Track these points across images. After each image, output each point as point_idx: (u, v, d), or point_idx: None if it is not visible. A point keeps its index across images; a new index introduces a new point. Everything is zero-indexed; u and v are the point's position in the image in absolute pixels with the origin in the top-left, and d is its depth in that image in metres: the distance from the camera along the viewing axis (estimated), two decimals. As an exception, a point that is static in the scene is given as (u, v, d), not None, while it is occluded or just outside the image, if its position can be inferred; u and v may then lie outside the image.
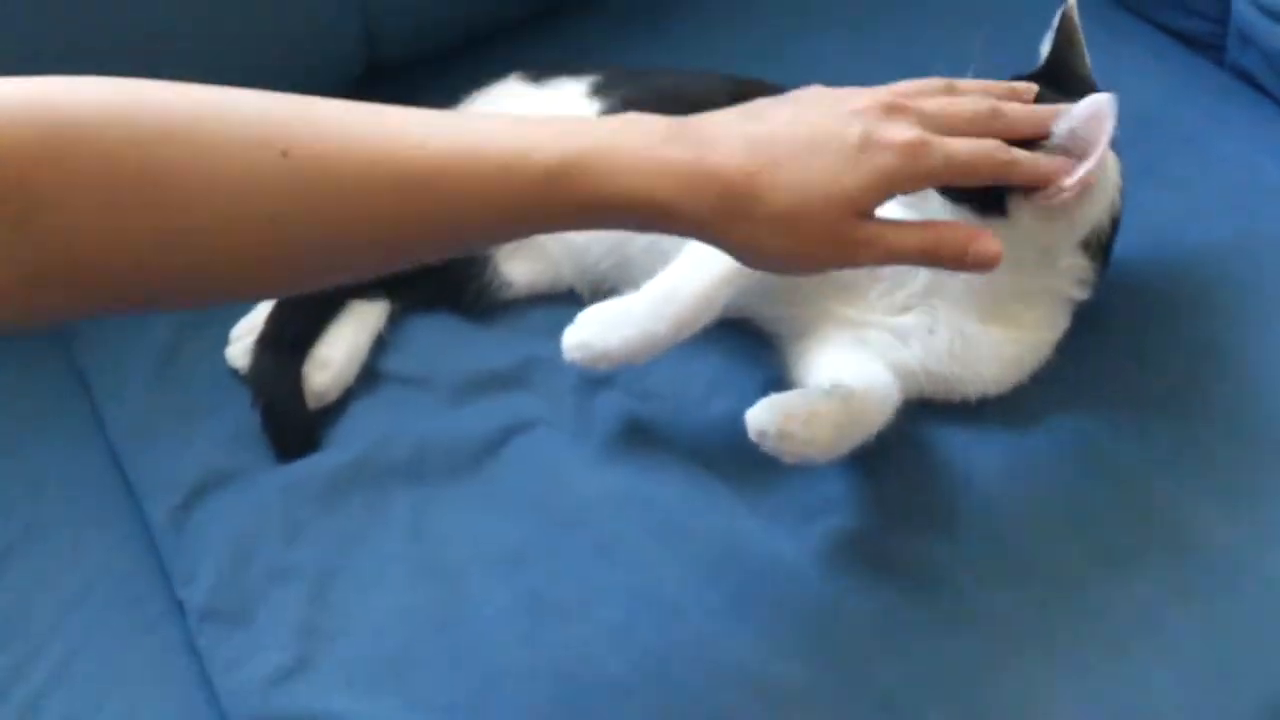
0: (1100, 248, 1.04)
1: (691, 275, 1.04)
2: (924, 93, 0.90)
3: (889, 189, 0.84)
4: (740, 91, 1.13)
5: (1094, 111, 0.93)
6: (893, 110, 0.85)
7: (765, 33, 1.41)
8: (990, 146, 0.88)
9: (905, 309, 1.06)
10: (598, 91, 1.20)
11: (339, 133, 0.77)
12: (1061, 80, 1.04)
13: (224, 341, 1.17)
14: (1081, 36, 1.08)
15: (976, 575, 0.99)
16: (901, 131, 0.84)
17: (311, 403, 1.13)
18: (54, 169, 0.69)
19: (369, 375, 1.16)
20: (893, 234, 0.85)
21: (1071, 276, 1.05)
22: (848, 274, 1.05)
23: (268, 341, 1.14)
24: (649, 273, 1.13)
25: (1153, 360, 1.10)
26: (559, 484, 1.07)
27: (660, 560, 1.02)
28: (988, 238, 0.86)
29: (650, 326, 1.03)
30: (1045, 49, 1.08)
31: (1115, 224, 1.05)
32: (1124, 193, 1.05)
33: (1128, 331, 1.12)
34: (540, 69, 1.25)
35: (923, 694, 0.95)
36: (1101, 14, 1.42)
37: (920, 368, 1.05)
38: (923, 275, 1.05)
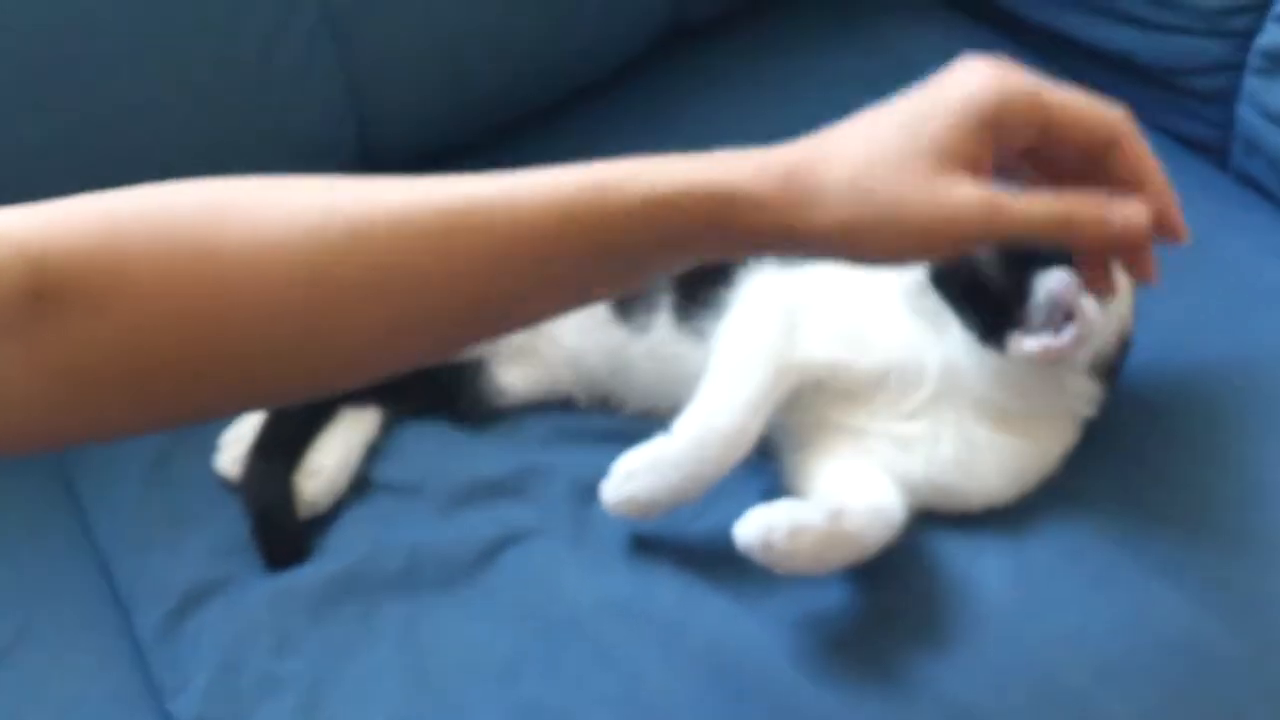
0: (1107, 371, 1.05)
1: (724, 407, 1.03)
2: None
3: (980, 121, 0.74)
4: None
5: (1062, 293, 0.95)
6: None
7: (760, 133, 1.40)
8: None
9: (911, 417, 1.06)
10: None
11: (391, 189, 0.74)
12: None
13: (213, 449, 1.17)
14: None
15: (976, 687, 0.98)
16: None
17: (303, 511, 1.12)
18: (116, 257, 0.69)
19: (361, 484, 1.15)
20: (1012, 199, 0.73)
21: (1078, 399, 1.05)
22: (855, 380, 1.06)
23: (260, 449, 1.14)
24: (649, 381, 1.14)
25: (1154, 468, 1.09)
26: (554, 593, 1.06)
27: (656, 668, 1.01)
28: (1130, 205, 0.76)
29: (695, 470, 1.02)
30: None
31: (1125, 345, 1.05)
32: (1134, 310, 1.06)
33: (1129, 439, 1.11)
34: (536, 167, 1.25)
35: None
36: (1103, 117, 1.43)
37: (924, 478, 1.04)
38: (930, 385, 1.05)
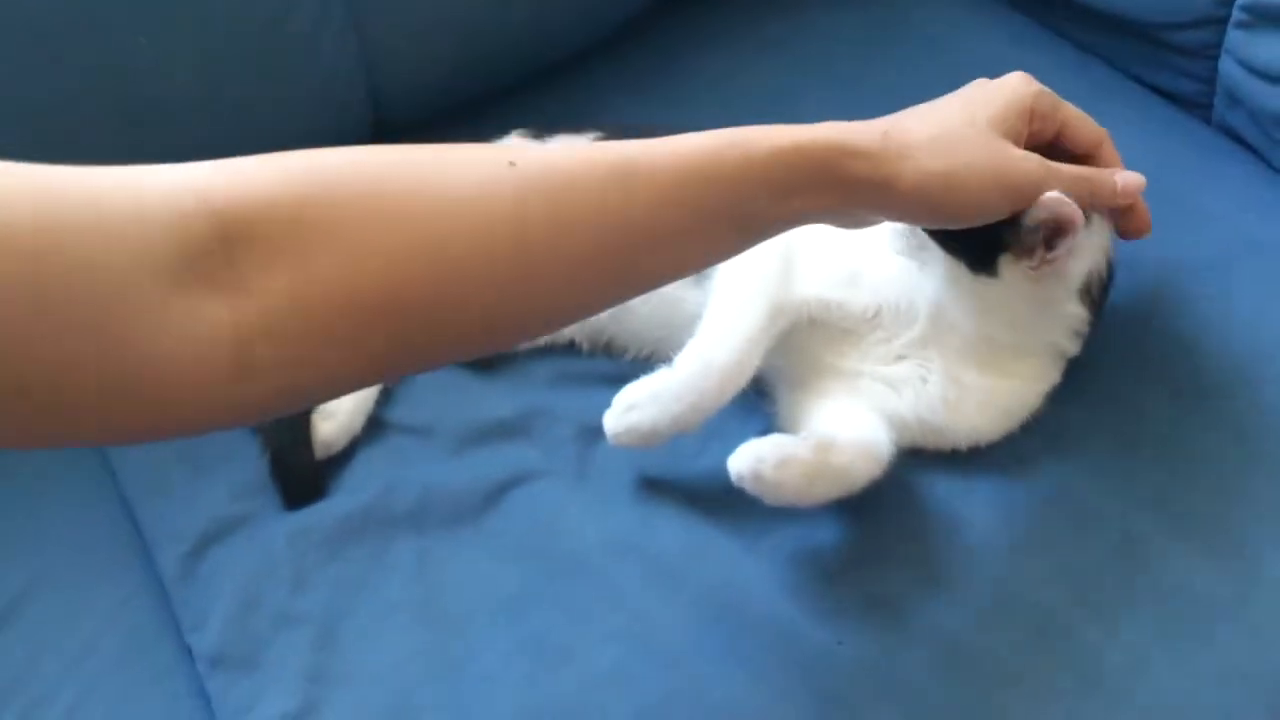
0: (1096, 297, 1.06)
1: (723, 342, 1.06)
2: None
3: (1022, 106, 0.96)
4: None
5: (1053, 206, 0.96)
6: None
7: (766, 89, 1.44)
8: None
9: (899, 358, 1.09)
10: (601, 146, 1.22)
11: (558, 148, 0.88)
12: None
13: (235, 393, 1.19)
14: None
15: (967, 620, 1.01)
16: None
17: (318, 451, 1.15)
18: (322, 200, 0.73)
19: (374, 425, 1.18)
20: (1051, 165, 0.95)
21: (1067, 327, 1.07)
22: (848, 319, 1.09)
23: None
24: (649, 326, 1.16)
25: (1138, 409, 1.12)
26: (559, 532, 1.09)
27: (658, 606, 1.04)
28: (1130, 174, 1.02)
29: (695, 401, 1.05)
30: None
31: (1111, 271, 1.07)
32: (1113, 241, 1.08)
33: (1114, 383, 1.13)
34: (541, 126, 1.28)
35: (916, 735, 0.96)
36: (1090, 73, 1.45)
37: (913, 417, 1.07)
38: (919, 325, 1.08)
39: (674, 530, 1.08)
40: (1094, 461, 1.09)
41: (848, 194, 0.89)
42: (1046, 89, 0.99)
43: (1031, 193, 0.94)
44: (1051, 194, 0.95)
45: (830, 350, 1.10)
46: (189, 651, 1.09)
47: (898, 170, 0.88)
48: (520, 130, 1.28)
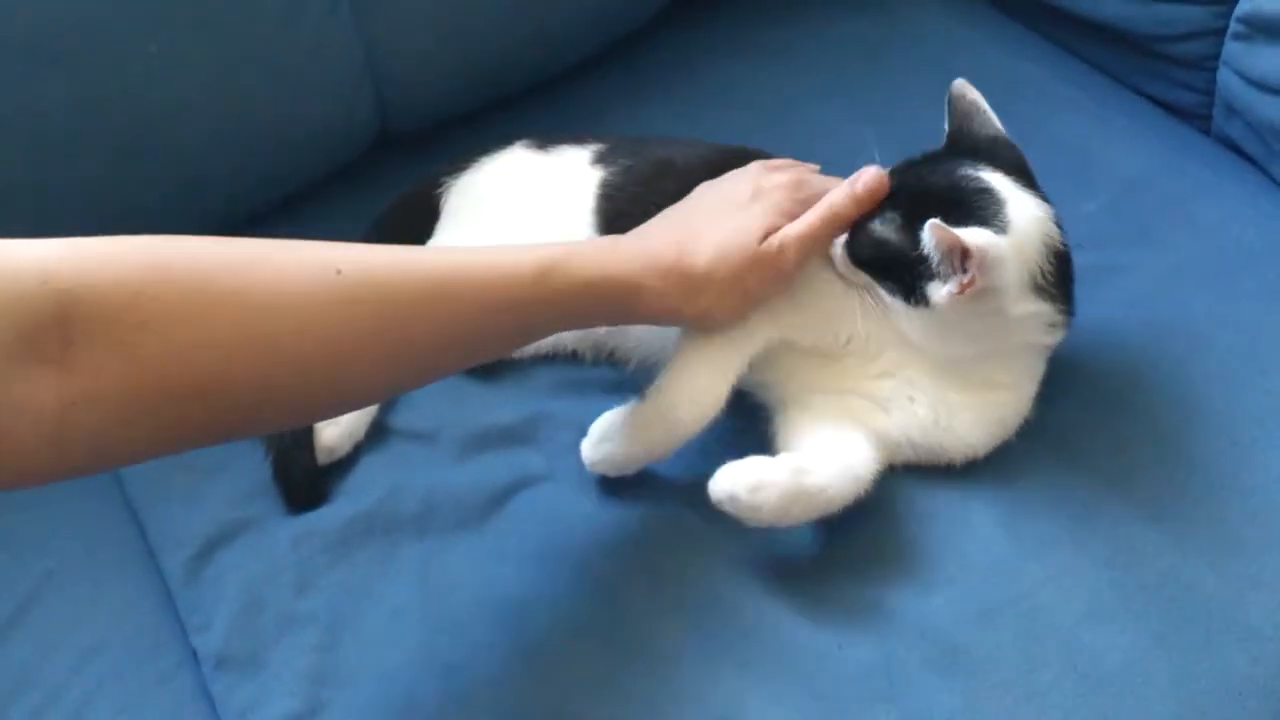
0: (1052, 288, 1.05)
1: (692, 373, 1.08)
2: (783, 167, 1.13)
3: (781, 217, 1.05)
4: (736, 158, 1.17)
5: (936, 232, 0.98)
6: (773, 169, 1.11)
7: (765, 101, 1.46)
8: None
9: (884, 375, 1.09)
10: (600, 159, 1.24)
11: (384, 253, 0.93)
12: (969, 149, 1.10)
13: (238, 401, 1.20)
14: (979, 103, 1.12)
15: (965, 624, 1.02)
16: (782, 178, 1.09)
17: (322, 457, 1.16)
18: (158, 289, 0.80)
19: (378, 431, 1.19)
20: (794, 226, 1.05)
21: (1034, 324, 1.06)
22: (818, 345, 1.10)
23: None
24: (648, 339, 1.18)
25: (1135, 414, 1.13)
26: (561, 536, 1.10)
27: (659, 609, 1.05)
28: (867, 172, 1.06)
29: (665, 431, 1.08)
30: (946, 126, 1.12)
31: (1061, 259, 1.06)
32: (1062, 225, 1.07)
33: (1112, 388, 1.15)
34: (545, 137, 1.29)
35: (915, 738, 0.97)
36: (1091, 85, 1.46)
37: (904, 438, 1.08)
38: (889, 349, 1.09)
39: (675, 535, 1.09)
40: (1092, 465, 1.10)
41: (643, 318, 1.05)
42: (779, 162, 1.14)
43: (790, 278, 1.06)
44: (932, 223, 0.97)
45: (819, 370, 1.11)
46: (194, 653, 1.10)
47: (683, 304, 1.03)
48: (525, 141, 1.29)
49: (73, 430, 0.78)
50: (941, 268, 1.01)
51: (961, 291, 1.00)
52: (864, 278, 1.07)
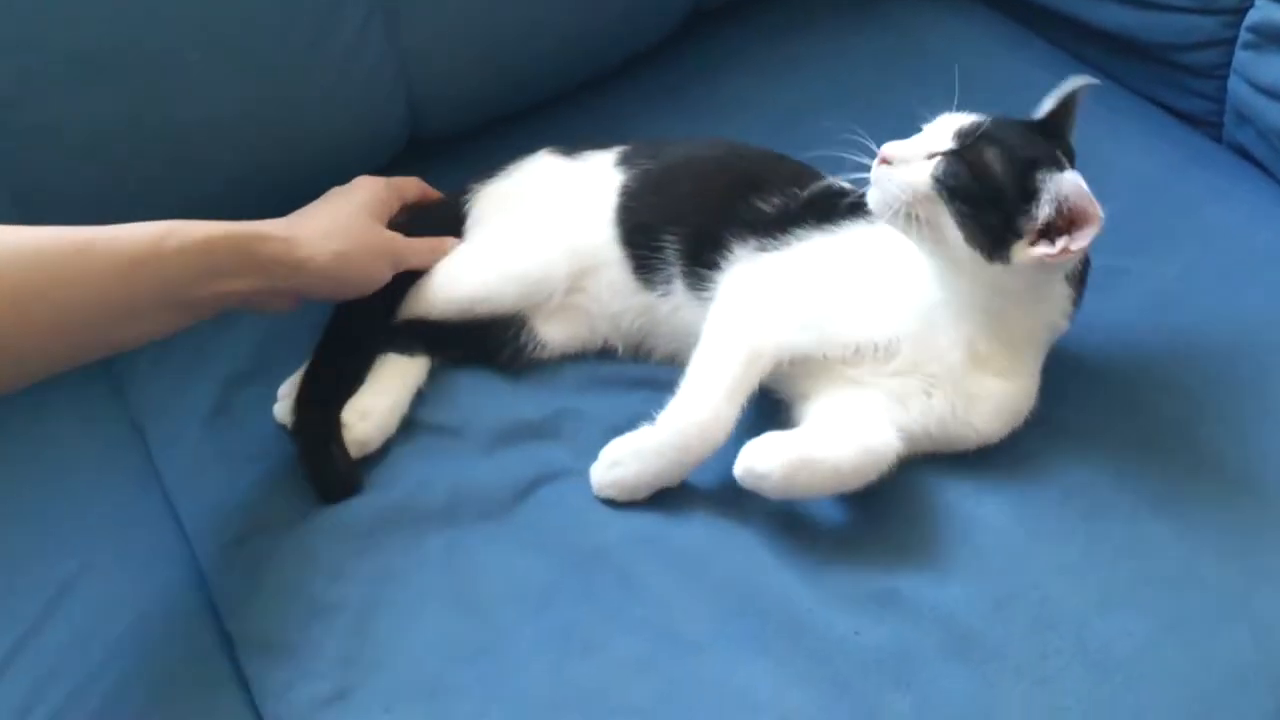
0: (1081, 276, 1.09)
1: (701, 398, 1.10)
2: None
3: (380, 202, 1.23)
4: (753, 158, 1.20)
5: (1076, 187, 1.01)
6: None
7: (785, 107, 1.49)
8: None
9: (898, 373, 1.11)
10: (624, 161, 1.27)
11: (21, 235, 0.98)
12: (1051, 137, 1.10)
13: (271, 397, 1.23)
14: (1076, 115, 1.14)
15: (980, 612, 1.04)
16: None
17: (355, 451, 1.18)
18: None
19: (409, 425, 1.21)
20: (412, 242, 1.24)
21: (1061, 307, 1.09)
22: (833, 353, 1.12)
23: (303, 400, 1.20)
24: (672, 333, 1.21)
25: (1148, 411, 1.15)
26: (586, 527, 1.12)
27: (681, 596, 1.07)
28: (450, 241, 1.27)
29: (676, 456, 1.10)
30: (1047, 105, 1.13)
31: (1086, 256, 1.09)
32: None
33: (1126, 385, 1.17)
34: (571, 144, 1.31)
35: (931, 723, 0.99)
36: (1104, 93, 1.45)
37: (921, 429, 1.10)
38: (906, 349, 1.10)
39: (695, 524, 1.11)
40: (1104, 460, 1.12)
41: (267, 274, 1.09)
42: (392, 181, 1.27)
43: (400, 260, 1.22)
44: (1068, 177, 1.00)
45: (836, 370, 1.13)
46: (229, 637, 1.12)
47: (309, 254, 1.12)
48: (551, 147, 1.32)
49: None
50: (1039, 217, 1.03)
51: (1058, 255, 1.02)
52: (938, 208, 1.05)
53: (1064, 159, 1.07)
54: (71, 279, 0.98)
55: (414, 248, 1.24)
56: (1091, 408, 1.15)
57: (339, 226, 1.16)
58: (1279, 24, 1.31)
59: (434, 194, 1.32)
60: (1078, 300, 1.10)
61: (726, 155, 1.25)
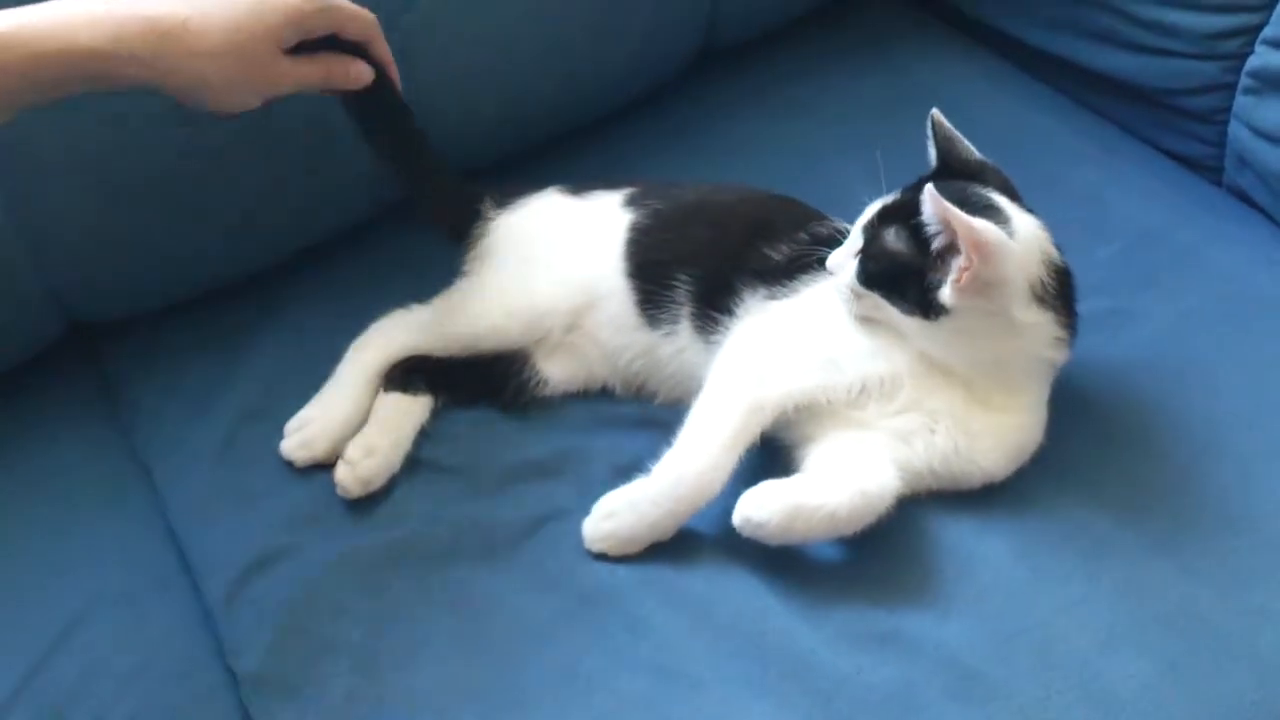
0: (1054, 298, 1.08)
1: (698, 451, 1.10)
2: None
3: (299, 24, 1.09)
4: (765, 204, 1.21)
5: (929, 195, 1.02)
6: None
7: (791, 147, 1.51)
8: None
9: (902, 412, 1.11)
10: (631, 202, 1.27)
11: None
12: (955, 170, 1.14)
13: (278, 434, 1.24)
14: (954, 130, 1.16)
15: (982, 651, 1.04)
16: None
17: (359, 489, 1.19)
18: None
19: (413, 464, 1.22)
20: (300, 67, 1.11)
21: (1040, 336, 1.09)
22: (837, 398, 1.12)
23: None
24: (677, 375, 1.21)
25: (1151, 451, 1.16)
26: (590, 566, 1.13)
27: (684, 636, 1.07)
28: (360, 64, 1.16)
29: (672, 508, 1.10)
30: (931, 151, 1.16)
31: (1061, 274, 1.09)
32: (1059, 246, 1.10)
33: (1127, 427, 1.17)
34: (578, 183, 1.32)
35: (934, 763, 0.99)
36: (1105, 138, 1.50)
37: (926, 467, 1.11)
38: (906, 387, 1.11)
39: (699, 564, 1.11)
40: (1105, 499, 1.13)
41: (115, 86, 1.02)
42: (323, 5, 1.11)
43: (280, 96, 1.12)
44: (928, 188, 1.02)
45: (839, 413, 1.13)
46: (233, 675, 1.12)
47: (172, 70, 1.02)
48: (558, 186, 1.33)
49: None
50: (942, 264, 1.05)
51: (962, 279, 1.03)
52: (874, 298, 1.10)
53: (972, 196, 1.09)
54: None
55: (303, 80, 1.12)
56: (1093, 448, 1.15)
57: (233, 53, 1.05)
58: (1279, 69, 1.32)
59: (380, 47, 1.19)
60: (1068, 327, 1.10)
61: (741, 201, 1.26)
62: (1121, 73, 1.47)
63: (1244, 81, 1.36)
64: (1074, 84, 1.54)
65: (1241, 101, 1.37)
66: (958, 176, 1.13)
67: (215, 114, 1.08)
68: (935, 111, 1.16)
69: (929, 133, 1.16)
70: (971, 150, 1.16)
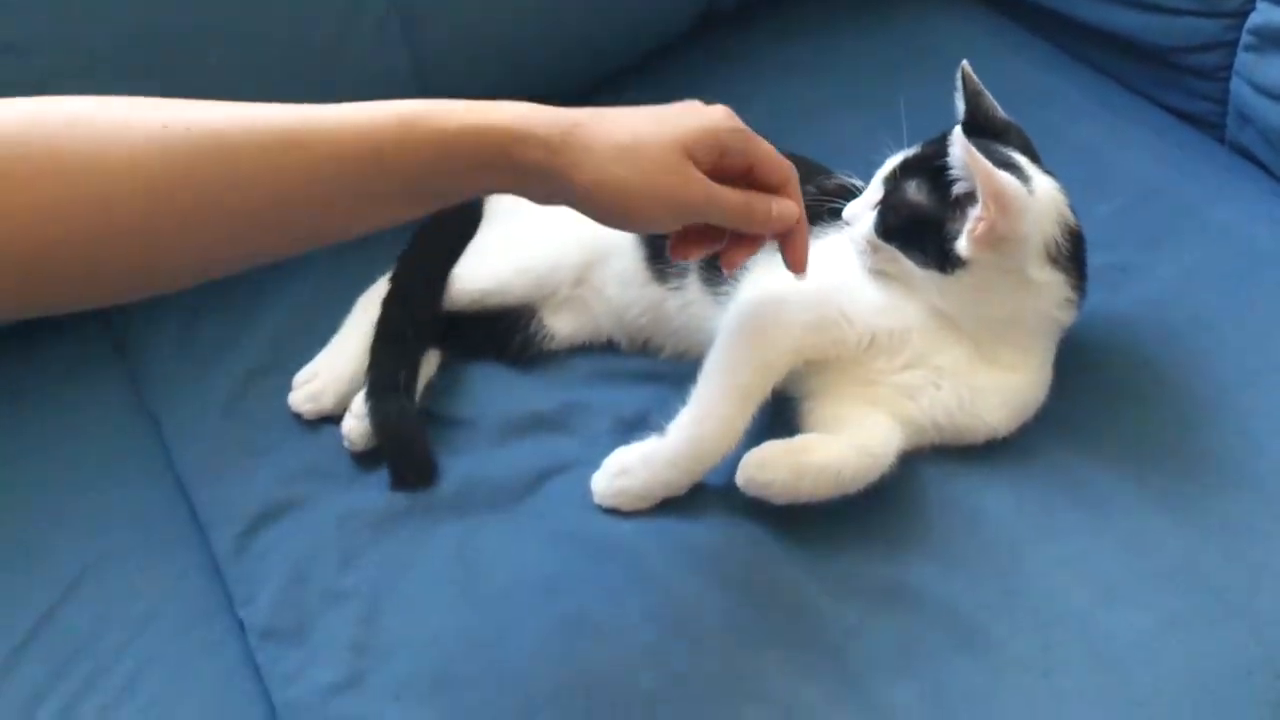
0: (1067, 260, 1.09)
1: (713, 408, 1.11)
2: None
3: (714, 138, 0.96)
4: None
5: (958, 138, 1.03)
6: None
7: (794, 108, 1.50)
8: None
9: (908, 367, 1.12)
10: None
11: (220, 107, 0.85)
12: (980, 126, 1.15)
13: (286, 388, 1.25)
14: (983, 87, 1.17)
15: (983, 605, 1.05)
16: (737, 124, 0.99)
17: (363, 443, 1.20)
18: None
19: (421, 417, 1.22)
20: (719, 190, 0.96)
21: (1050, 296, 1.10)
22: (845, 351, 1.12)
23: (377, 386, 1.21)
24: (682, 330, 1.22)
25: (1152, 407, 1.16)
26: (595, 517, 1.13)
27: (690, 587, 1.08)
28: (786, 202, 1.00)
29: (689, 465, 1.11)
30: (960, 104, 1.17)
31: (1074, 236, 1.10)
32: (1074, 209, 1.11)
33: (1129, 383, 1.18)
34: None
35: (933, 712, 1.00)
36: (1108, 96, 1.50)
37: (930, 422, 1.12)
38: (914, 341, 1.11)
39: (704, 516, 1.12)
40: (1107, 456, 1.13)
41: (520, 177, 0.93)
42: (743, 127, 1.00)
43: (693, 214, 0.98)
44: (957, 132, 1.03)
45: (846, 368, 1.14)
46: (241, 625, 1.13)
47: (575, 164, 0.92)
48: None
49: None
50: (960, 213, 1.06)
51: (978, 229, 1.04)
52: (891, 251, 1.11)
53: (994, 152, 1.09)
54: (283, 168, 0.85)
55: (720, 202, 0.97)
56: (1095, 404, 1.16)
57: (636, 149, 0.94)
58: (1280, 26, 1.33)
59: (782, 172, 1.02)
60: (1078, 289, 1.11)
61: None
62: (1123, 30, 1.47)
63: (1245, 38, 1.36)
64: (1075, 41, 1.54)
65: (1243, 58, 1.37)
66: (983, 133, 1.13)
67: (632, 231, 1.04)
68: (965, 64, 1.17)
69: (958, 85, 1.17)
70: (997, 108, 1.17)
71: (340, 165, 0.86)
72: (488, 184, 0.94)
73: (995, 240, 1.04)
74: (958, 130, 1.04)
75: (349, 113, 0.87)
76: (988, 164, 1.02)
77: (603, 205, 0.95)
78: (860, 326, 1.12)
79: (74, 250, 0.80)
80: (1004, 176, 1.03)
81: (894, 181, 1.12)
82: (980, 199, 1.03)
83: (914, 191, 1.10)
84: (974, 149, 1.02)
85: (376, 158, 0.87)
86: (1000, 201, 1.03)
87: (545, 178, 0.92)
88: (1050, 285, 1.09)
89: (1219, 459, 1.13)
